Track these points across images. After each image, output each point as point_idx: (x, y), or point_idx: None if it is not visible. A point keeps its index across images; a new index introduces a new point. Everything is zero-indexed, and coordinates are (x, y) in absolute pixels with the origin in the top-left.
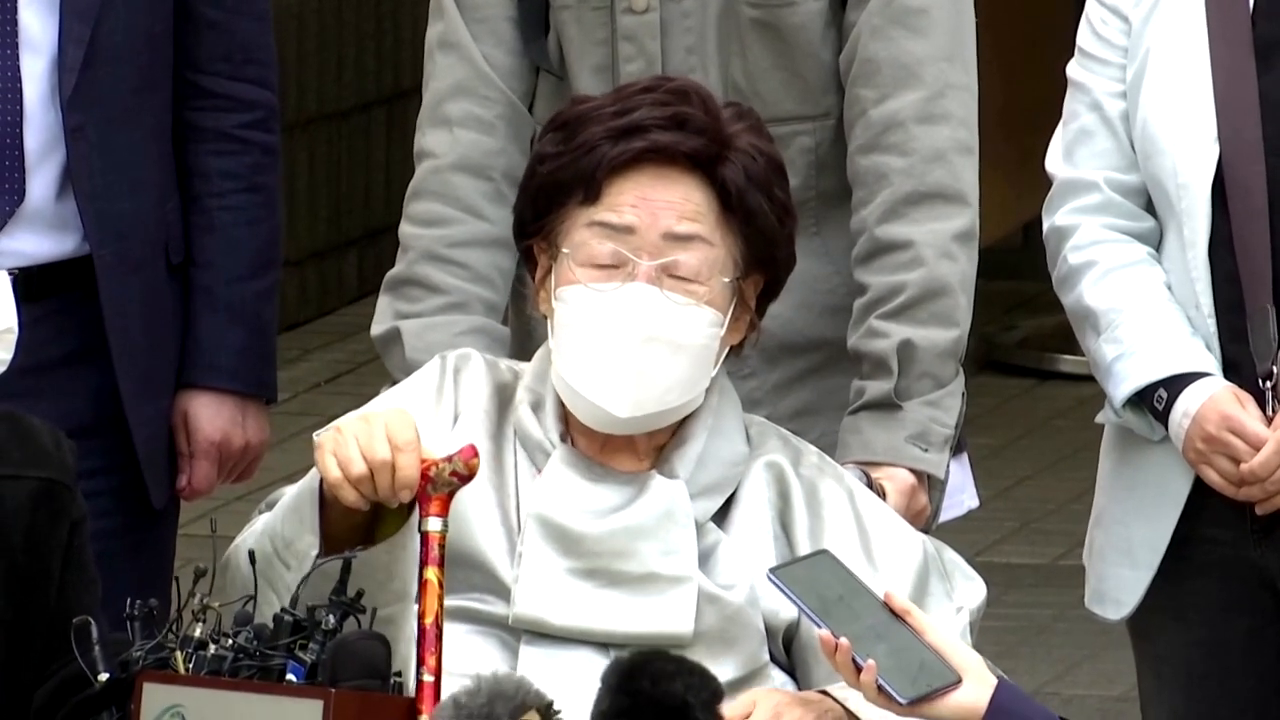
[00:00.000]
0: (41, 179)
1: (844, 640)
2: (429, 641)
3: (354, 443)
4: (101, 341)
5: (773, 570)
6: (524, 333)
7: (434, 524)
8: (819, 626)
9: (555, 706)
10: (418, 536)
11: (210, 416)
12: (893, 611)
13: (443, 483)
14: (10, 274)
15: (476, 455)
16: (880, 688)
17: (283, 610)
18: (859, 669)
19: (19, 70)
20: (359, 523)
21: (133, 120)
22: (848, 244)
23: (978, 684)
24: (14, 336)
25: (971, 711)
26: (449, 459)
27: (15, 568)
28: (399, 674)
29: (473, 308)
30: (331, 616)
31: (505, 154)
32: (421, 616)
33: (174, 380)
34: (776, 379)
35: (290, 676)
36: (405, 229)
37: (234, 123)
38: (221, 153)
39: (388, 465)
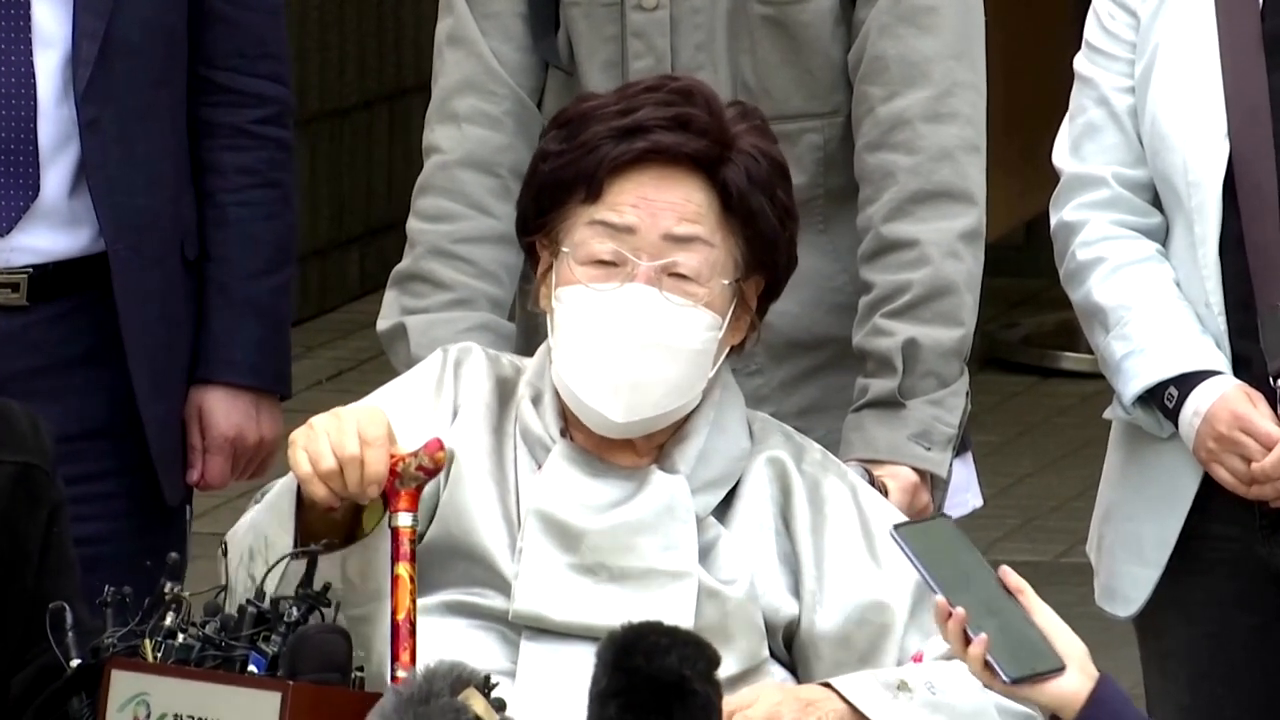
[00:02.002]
0: (55, 175)
1: (959, 610)
2: (402, 637)
3: (324, 438)
4: (115, 340)
5: (896, 527)
6: (531, 328)
7: (404, 519)
8: (935, 592)
9: (492, 680)
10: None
11: (225, 412)
12: (1005, 588)
13: (409, 477)
14: (24, 271)
15: (443, 449)
16: (987, 663)
17: (248, 601)
18: (967, 640)
19: (33, 66)
20: (338, 520)
21: (148, 115)
22: (855, 242)
23: (1080, 674)
24: None
25: (1071, 700)
26: (415, 453)
27: None
28: (360, 669)
29: (478, 304)
30: (295, 609)
31: (513, 150)
32: (394, 612)
33: (186, 376)
34: (783, 376)
35: (252, 668)
36: (412, 224)
37: (249, 118)
38: (237, 148)
39: (356, 460)
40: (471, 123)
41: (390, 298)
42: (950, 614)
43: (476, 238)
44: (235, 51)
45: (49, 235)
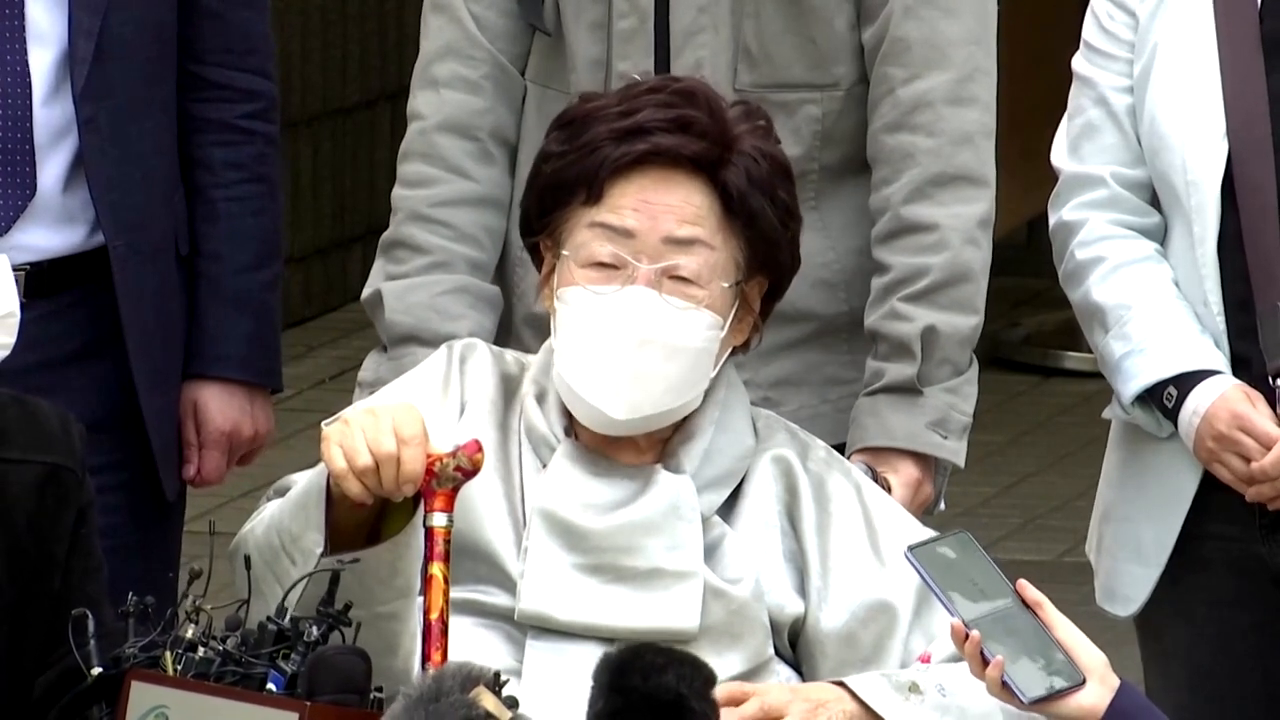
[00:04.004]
0: (50, 172)
1: (975, 633)
2: (434, 637)
3: (360, 435)
4: (111, 335)
5: (911, 548)
6: (507, 289)
7: (439, 519)
8: (951, 614)
9: (502, 677)
10: (422, 532)
11: (221, 407)
12: (1024, 602)
13: (447, 478)
14: (22, 269)
15: (481, 450)
16: (1005, 684)
17: (268, 619)
18: (985, 661)
19: (27, 65)
20: (364, 519)
21: (143, 112)
22: (845, 220)
23: (1100, 685)
24: (16, 320)
25: (1090, 714)
26: (453, 454)
27: (19, 553)
28: (379, 689)
29: (457, 266)
30: (315, 628)
31: (493, 113)
32: (427, 612)
33: (181, 371)
34: (760, 346)
35: (270, 686)
36: (395, 191)
37: (237, 113)
38: (226, 143)
39: (393, 458)
40: (450, 87)
41: (375, 266)
42: (966, 636)
43: (455, 201)
44: (223, 47)
45: (45, 233)
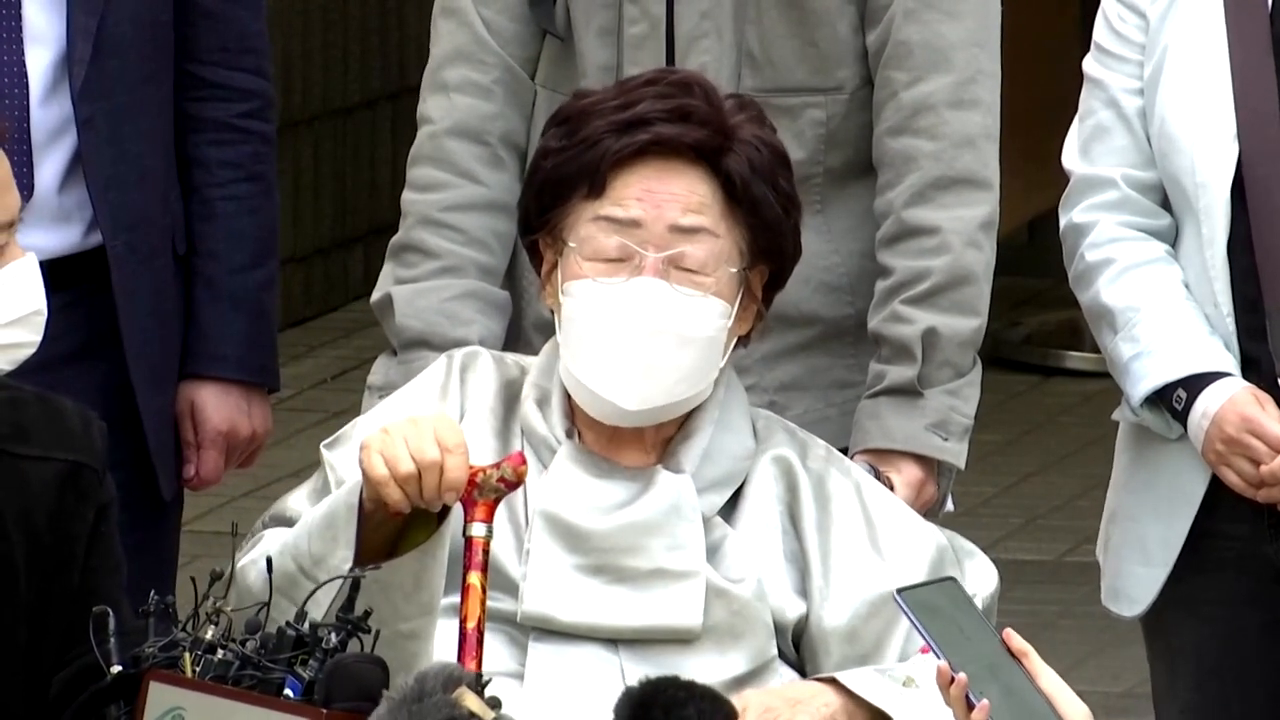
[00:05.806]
0: (47, 172)
1: (962, 675)
2: (470, 646)
3: (402, 443)
4: (109, 335)
5: (899, 591)
6: (516, 294)
7: (479, 529)
8: (938, 657)
9: (484, 678)
10: (447, 546)
11: (217, 406)
12: (1009, 651)
13: (489, 488)
14: None
15: (525, 463)
16: None
17: (287, 624)
18: (970, 705)
19: (25, 65)
20: (386, 539)
21: (140, 111)
22: (851, 224)
23: None
24: (42, 319)
25: None
26: (497, 465)
27: (39, 550)
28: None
29: (466, 271)
30: (333, 635)
31: (503, 118)
32: (464, 620)
33: (178, 370)
34: (766, 349)
35: (288, 691)
36: (405, 195)
37: (233, 112)
38: (222, 143)
39: (436, 466)
40: (460, 92)
41: (385, 270)
42: (953, 679)
43: (465, 205)
44: (219, 46)
45: (43, 233)
